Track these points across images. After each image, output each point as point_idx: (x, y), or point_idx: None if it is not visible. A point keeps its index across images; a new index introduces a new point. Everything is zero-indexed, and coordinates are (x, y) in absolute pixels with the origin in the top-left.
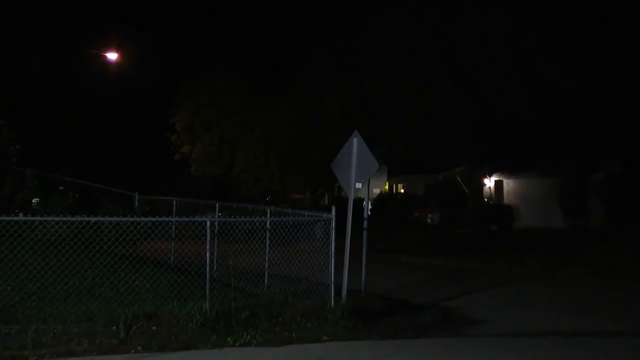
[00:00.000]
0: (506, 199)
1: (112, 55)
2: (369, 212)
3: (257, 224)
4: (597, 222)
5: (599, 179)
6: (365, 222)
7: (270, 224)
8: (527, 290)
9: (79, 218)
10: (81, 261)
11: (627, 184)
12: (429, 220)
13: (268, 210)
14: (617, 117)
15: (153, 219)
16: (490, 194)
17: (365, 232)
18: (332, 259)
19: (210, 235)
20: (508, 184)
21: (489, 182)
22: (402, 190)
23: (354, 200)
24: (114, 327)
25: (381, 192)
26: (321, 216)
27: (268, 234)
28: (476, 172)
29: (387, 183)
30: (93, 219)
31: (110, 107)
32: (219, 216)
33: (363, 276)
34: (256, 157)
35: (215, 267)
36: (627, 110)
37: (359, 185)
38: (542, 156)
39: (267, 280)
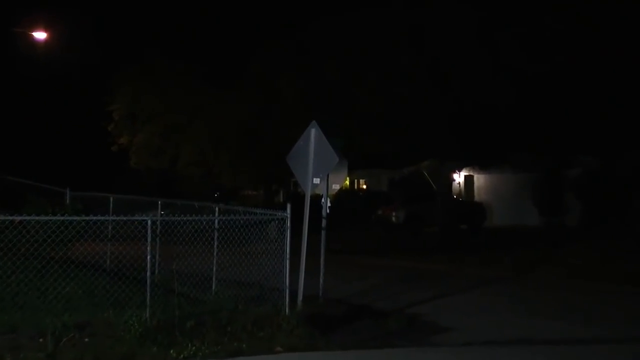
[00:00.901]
0: (477, 196)
1: (40, 35)
2: (328, 210)
3: (205, 223)
4: (574, 220)
5: (575, 174)
6: (324, 221)
7: (218, 223)
8: (498, 294)
9: (1, 217)
10: (3, 265)
11: (605, 180)
12: (393, 218)
13: (217, 208)
14: (593, 109)
15: (87, 218)
16: (460, 190)
17: (323, 232)
18: (287, 261)
19: (152, 235)
20: (479, 179)
21: (459, 178)
22: (364, 186)
23: (312, 197)
24: (40, 339)
25: (341, 188)
26: (275, 214)
27: (216, 234)
28: (444, 167)
29: (347, 178)
30: (18, 217)
31: (39, 93)
32: (161, 215)
33: (321, 280)
34: (204, 149)
35: (157, 271)
36: (604, 102)
37: (316, 180)
38: (514, 150)
39: (215, 286)
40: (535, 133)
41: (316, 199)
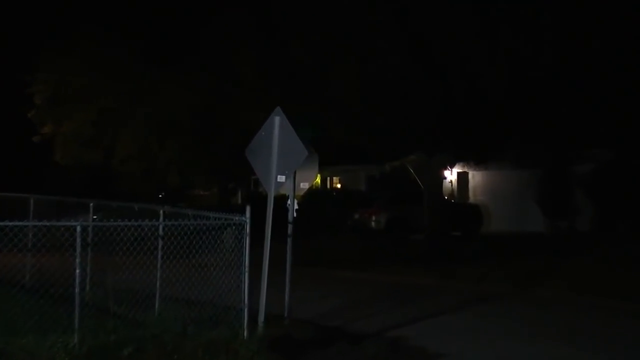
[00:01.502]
0: (472, 197)
1: None
2: (295, 214)
3: (146, 229)
4: (585, 224)
5: (586, 170)
6: (290, 227)
7: (163, 229)
8: (496, 313)
9: None
10: None
11: (621, 177)
12: (372, 223)
13: (161, 212)
14: (607, 94)
15: (1, 224)
16: (452, 189)
17: (289, 240)
18: (246, 275)
19: (82, 244)
20: (474, 177)
21: (451, 175)
22: (339, 185)
23: (276, 198)
24: None
25: (311, 188)
26: (232, 219)
27: (161, 243)
28: (434, 162)
29: (318, 176)
30: None
31: None
32: (94, 219)
33: (287, 297)
34: (147, 140)
35: (87, 288)
36: (620, 86)
37: (281, 178)
38: (516, 142)
39: (158, 305)
40: (539, 122)
41: (281, 201)
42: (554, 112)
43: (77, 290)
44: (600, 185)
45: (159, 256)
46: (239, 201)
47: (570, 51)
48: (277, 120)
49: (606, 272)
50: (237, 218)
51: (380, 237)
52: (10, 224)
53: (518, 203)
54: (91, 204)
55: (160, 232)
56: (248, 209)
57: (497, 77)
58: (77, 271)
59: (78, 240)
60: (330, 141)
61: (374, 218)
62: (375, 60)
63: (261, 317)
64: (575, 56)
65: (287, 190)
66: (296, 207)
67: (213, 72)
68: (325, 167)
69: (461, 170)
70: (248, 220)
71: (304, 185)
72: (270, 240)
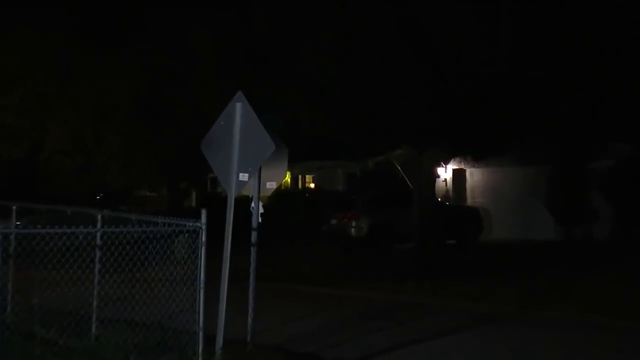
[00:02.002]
0: (470, 198)
1: None
2: (260, 219)
3: (82, 237)
4: (604, 231)
5: (604, 167)
6: (254, 234)
7: (102, 237)
8: (497, 339)
9: None
10: None
11: None
12: (352, 230)
13: (99, 217)
14: (627, 79)
15: None
16: (447, 190)
17: (253, 250)
18: (202, 292)
19: (2, 255)
20: (473, 175)
21: (445, 173)
22: (312, 185)
23: (237, 201)
24: None
25: (279, 188)
26: (185, 225)
27: (99, 254)
28: (425, 158)
29: (288, 174)
30: None
31: None
32: (17, 225)
33: (250, 318)
34: (82, 132)
35: (9, 308)
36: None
37: (244, 176)
38: (521, 134)
39: (95, 328)
40: (549, 110)
41: (244, 203)
42: (567, 98)
43: None
44: (621, 185)
45: (96, 270)
46: (193, 204)
47: (587, 28)
48: (239, 108)
49: (629, 290)
50: (190, 224)
51: (361, 247)
52: None
53: (524, 206)
54: (14, 208)
55: (98, 241)
56: (204, 213)
57: (498, 57)
58: None
59: None
60: (302, 133)
61: (353, 224)
62: (356, 37)
63: (219, 343)
64: (592, 34)
65: (250, 191)
66: (262, 210)
67: (162, 52)
68: (296, 164)
69: (457, 167)
70: (204, 227)
71: (271, 185)
72: (231, 250)
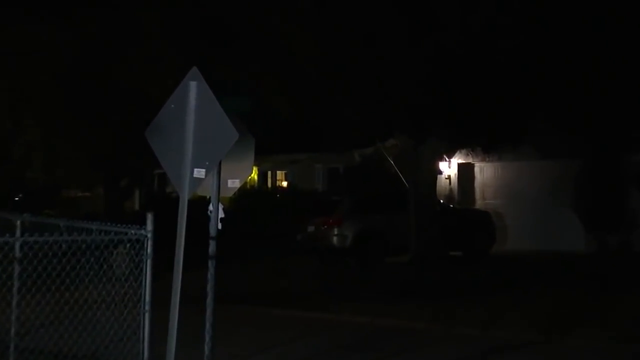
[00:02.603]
0: (480, 200)
1: None
2: (221, 225)
3: None
4: None
5: None
6: (213, 244)
7: (22, 248)
8: None
9: None
10: None
11: None
12: (334, 239)
13: (18, 223)
14: None
15: None
16: (451, 189)
17: (212, 264)
18: (147, 315)
19: None
20: (483, 171)
21: (449, 169)
22: (285, 183)
23: (191, 203)
24: None
25: (244, 187)
26: (126, 233)
27: (18, 269)
28: (423, 149)
29: (255, 169)
30: None
31: None
32: None
33: (207, 349)
34: None
35: None
36: None
37: (200, 172)
38: (542, 122)
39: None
40: (578, 91)
41: (200, 206)
42: (601, 75)
43: None
44: None
45: (15, 289)
46: (137, 206)
47: None
48: (194, 87)
49: None
50: (133, 231)
51: (345, 260)
52: None
53: (547, 209)
54: None
55: (17, 252)
56: (150, 218)
57: (514, 25)
58: None
59: None
60: (272, 119)
61: (336, 231)
62: (342, 6)
63: None
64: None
65: (208, 191)
66: (222, 215)
67: (100, 19)
68: (265, 157)
69: (464, 162)
70: (150, 235)
71: (234, 184)
72: (184, 264)
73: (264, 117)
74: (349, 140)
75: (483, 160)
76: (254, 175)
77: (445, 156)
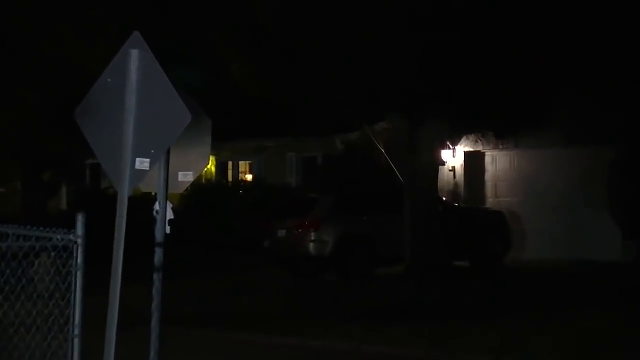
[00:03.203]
0: (492, 197)
1: None
2: (169, 228)
3: None
4: None
5: None
6: (159, 253)
7: None
8: None
9: None
10: None
11: None
12: (312, 246)
13: None
14: None
15: None
16: (456, 184)
17: (158, 277)
18: (77, 341)
19: None
20: (495, 161)
21: (453, 158)
22: (250, 177)
23: (133, 201)
24: None
25: (198, 181)
26: (50, 238)
27: None
28: (421, 135)
29: (212, 159)
30: None
31: None
32: None
33: None
34: None
35: None
36: None
37: (143, 163)
38: (571, 98)
39: None
40: (612, 60)
41: (144, 205)
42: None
43: None
44: None
45: None
46: (64, 205)
47: None
48: (136, 57)
49: None
50: (59, 237)
51: (324, 272)
52: None
53: (575, 209)
54: None
55: None
56: (80, 219)
57: None
58: None
59: None
60: (233, 97)
61: (313, 236)
62: None
63: None
64: None
65: (153, 187)
66: (171, 216)
67: None
68: (225, 144)
69: (472, 150)
70: (80, 241)
71: (186, 177)
72: (123, 277)
73: (223, 94)
74: (329, 123)
75: (496, 147)
76: (211, 166)
77: (448, 143)
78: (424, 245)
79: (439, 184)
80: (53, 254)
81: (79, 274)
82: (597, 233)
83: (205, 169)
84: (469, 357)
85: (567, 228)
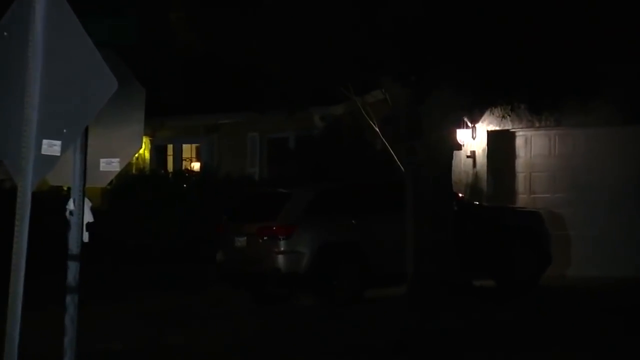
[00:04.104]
0: (524, 192)
1: None
2: (87, 236)
3: None
4: None
5: None
6: (74, 268)
7: None
8: None
9: None
10: None
11: None
12: (280, 259)
13: None
14: None
15: None
16: (476, 174)
17: (71, 300)
18: None
19: None
20: (529, 144)
21: (472, 140)
22: (197, 165)
23: (38, 196)
24: None
25: (127, 169)
26: None
27: None
28: (430, 108)
29: (146, 141)
30: None
31: None
32: None
33: None
34: None
35: None
36: None
37: (52, 146)
38: (629, 69)
39: None
40: None
41: (55, 203)
42: None
43: None
44: None
45: None
46: None
47: None
48: (42, 2)
49: None
50: None
51: (298, 295)
52: None
53: (638, 210)
54: None
55: None
56: None
57: None
58: None
59: None
60: (175, 57)
61: (282, 246)
62: None
63: None
64: None
65: (67, 179)
66: (90, 218)
67: None
68: (164, 121)
69: (497, 129)
70: None
71: (111, 166)
72: (25, 301)
73: (161, 54)
74: (304, 93)
75: (530, 125)
76: (144, 151)
77: (466, 119)
78: (432, 258)
79: (453, 175)
80: None
81: None
82: None
83: (137, 155)
84: None
85: (627, 234)
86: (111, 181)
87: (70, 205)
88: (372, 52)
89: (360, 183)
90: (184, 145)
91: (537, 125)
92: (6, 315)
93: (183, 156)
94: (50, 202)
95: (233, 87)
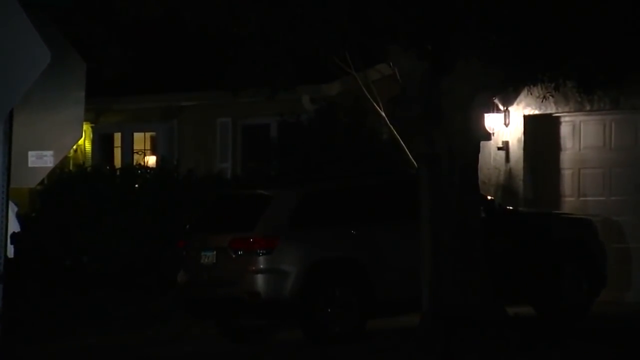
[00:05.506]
0: (571, 195)
1: None
2: (12, 250)
3: None
4: None
5: None
6: None
7: None
8: None
9: None
10: None
11: None
12: (259, 281)
13: None
14: None
15: None
16: (509, 171)
17: None
18: None
19: None
20: (578, 131)
21: (504, 127)
22: (152, 158)
23: None
24: None
25: (63, 165)
26: None
27: None
28: (451, 86)
29: (87, 128)
30: None
31: None
32: None
33: None
34: None
35: None
36: None
37: None
38: None
39: None
40: None
41: None
42: None
43: None
44: None
45: None
46: None
47: None
48: None
49: None
50: None
51: (281, 327)
52: None
53: None
54: None
55: None
56: None
57: None
58: None
59: None
60: (124, 23)
61: (261, 264)
62: None
63: None
64: None
65: None
66: (16, 227)
67: None
68: (109, 103)
69: (537, 113)
70: None
71: (42, 160)
72: None
73: (105, 19)
74: (289, 66)
75: (579, 109)
76: (85, 141)
77: (497, 101)
78: (455, 281)
79: (481, 173)
80: None
81: None
82: None
83: (75, 147)
84: None
85: None
86: (42, 180)
87: None
88: (377, 9)
89: (361, 182)
90: (135, 134)
91: (588, 108)
92: None
93: (134, 148)
94: None
95: (199, 60)
